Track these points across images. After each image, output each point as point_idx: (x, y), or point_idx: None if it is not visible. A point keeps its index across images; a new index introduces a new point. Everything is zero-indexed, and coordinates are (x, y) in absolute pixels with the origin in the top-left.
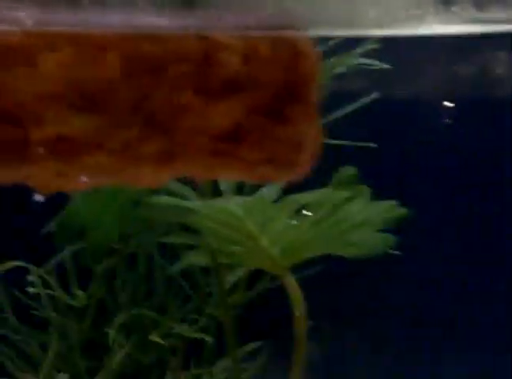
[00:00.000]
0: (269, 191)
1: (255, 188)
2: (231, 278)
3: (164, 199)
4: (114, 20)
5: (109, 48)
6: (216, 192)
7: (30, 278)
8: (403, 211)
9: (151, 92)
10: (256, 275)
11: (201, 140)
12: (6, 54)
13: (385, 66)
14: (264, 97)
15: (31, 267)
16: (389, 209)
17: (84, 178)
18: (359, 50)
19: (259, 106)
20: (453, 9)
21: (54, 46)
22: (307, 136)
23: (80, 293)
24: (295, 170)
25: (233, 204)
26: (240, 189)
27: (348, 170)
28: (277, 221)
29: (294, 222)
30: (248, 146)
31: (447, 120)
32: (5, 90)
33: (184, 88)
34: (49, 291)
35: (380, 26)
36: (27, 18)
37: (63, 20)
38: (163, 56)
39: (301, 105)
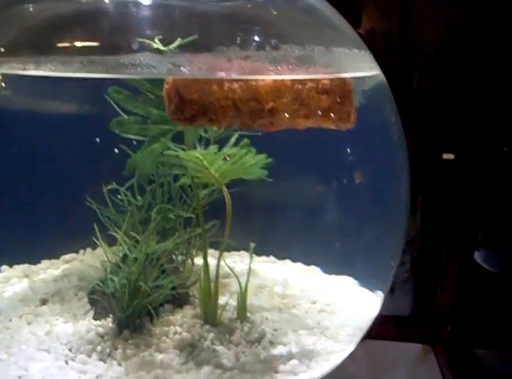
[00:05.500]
0: (213, 148)
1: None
2: (202, 191)
3: (170, 152)
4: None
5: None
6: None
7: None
8: (269, 159)
9: (302, 92)
10: (214, 191)
11: (316, 110)
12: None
13: None
14: (336, 96)
15: (119, 187)
16: (263, 158)
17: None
18: None
19: (335, 99)
20: None
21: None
22: (351, 111)
23: (139, 198)
24: (349, 124)
25: (198, 153)
26: (206, 147)
27: (245, 141)
28: (217, 161)
29: (224, 162)
30: (333, 113)
31: None
32: (252, 90)
33: (311, 90)
34: (127, 198)
35: None
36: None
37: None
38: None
39: (348, 100)
